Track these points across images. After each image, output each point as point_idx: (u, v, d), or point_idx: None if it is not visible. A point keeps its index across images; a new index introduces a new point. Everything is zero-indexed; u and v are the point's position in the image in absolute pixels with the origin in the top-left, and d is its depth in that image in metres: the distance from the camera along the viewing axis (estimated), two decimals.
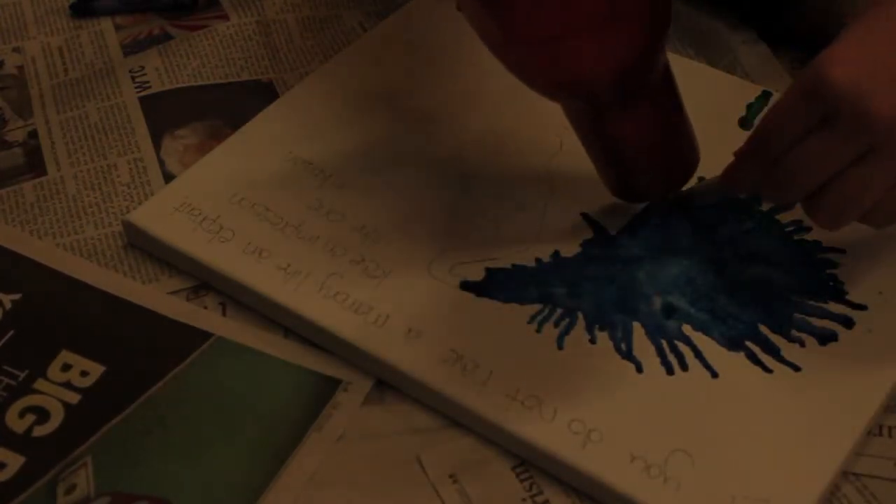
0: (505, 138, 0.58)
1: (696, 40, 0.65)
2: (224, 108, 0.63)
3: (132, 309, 0.53)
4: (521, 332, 0.51)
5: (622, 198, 0.54)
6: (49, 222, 0.57)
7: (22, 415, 0.49)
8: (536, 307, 0.51)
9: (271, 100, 0.61)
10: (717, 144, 0.57)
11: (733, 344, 0.50)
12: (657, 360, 0.50)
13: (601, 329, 0.51)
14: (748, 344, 0.50)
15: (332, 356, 0.51)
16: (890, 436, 0.49)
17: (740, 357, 0.50)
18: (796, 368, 0.49)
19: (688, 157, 0.52)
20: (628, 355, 0.50)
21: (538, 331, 0.51)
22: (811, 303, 0.52)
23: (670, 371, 0.49)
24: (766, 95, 0.60)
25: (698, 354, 0.50)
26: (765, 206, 0.55)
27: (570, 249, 0.54)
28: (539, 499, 0.47)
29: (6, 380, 0.51)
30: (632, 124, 0.50)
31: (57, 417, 0.49)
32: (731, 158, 0.57)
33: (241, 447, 0.48)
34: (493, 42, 0.48)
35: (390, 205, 0.55)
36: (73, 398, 0.50)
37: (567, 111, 0.51)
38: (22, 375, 0.51)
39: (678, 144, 0.52)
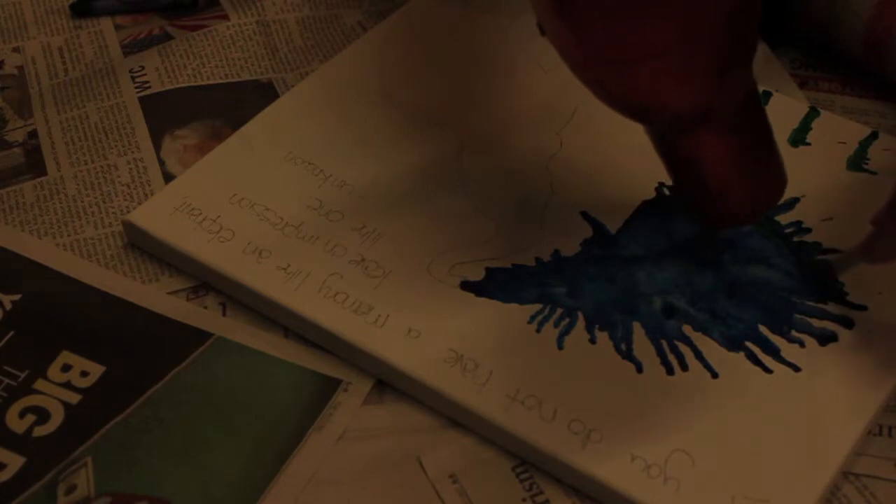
0: (505, 138, 0.58)
1: None
2: (224, 108, 0.63)
3: (132, 309, 0.53)
4: (521, 332, 0.51)
5: (701, 220, 0.52)
6: (49, 222, 0.57)
7: (22, 415, 0.49)
8: (536, 307, 0.51)
9: (271, 100, 0.61)
10: None
11: (733, 344, 0.50)
12: (657, 360, 0.50)
13: (601, 329, 0.51)
14: (748, 344, 0.50)
15: (332, 356, 0.51)
16: (890, 436, 0.49)
17: (740, 357, 0.50)
18: (796, 369, 0.49)
19: (771, 182, 0.50)
20: (628, 355, 0.50)
21: (538, 331, 0.51)
22: (811, 303, 0.52)
23: (670, 371, 0.49)
24: (766, 95, 0.60)
25: (698, 355, 0.50)
26: None
27: (570, 249, 0.54)
28: (539, 499, 0.47)
29: (6, 380, 0.51)
30: (714, 147, 0.48)
31: (57, 417, 0.49)
32: None
33: (241, 447, 0.48)
34: (573, 62, 0.46)
35: (390, 205, 0.55)
36: (73, 398, 0.50)
37: (648, 132, 0.49)
38: (22, 376, 0.51)
39: (761, 169, 0.49)
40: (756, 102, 0.48)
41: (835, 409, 0.48)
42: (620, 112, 0.48)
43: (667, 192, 0.56)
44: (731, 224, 0.51)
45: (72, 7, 0.69)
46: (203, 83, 0.64)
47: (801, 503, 0.45)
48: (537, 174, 0.57)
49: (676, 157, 0.49)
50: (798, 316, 0.51)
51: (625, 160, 0.56)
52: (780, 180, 0.50)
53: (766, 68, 0.64)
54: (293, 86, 0.63)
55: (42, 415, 0.49)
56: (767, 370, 0.49)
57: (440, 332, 0.50)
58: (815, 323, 0.51)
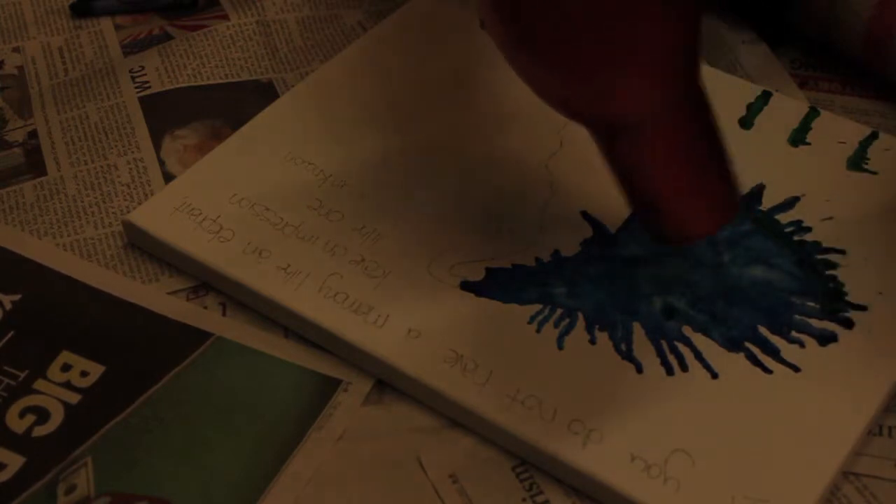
0: (504, 137, 0.58)
1: None
2: (224, 108, 0.63)
3: (132, 309, 0.53)
4: (521, 332, 0.51)
5: (653, 237, 0.50)
6: (49, 222, 0.57)
7: (22, 415, 0.49)
8: (536, 307, 0.51)
9: (271, 100, 0.61)
10: None
11: (733, 345, 0.50)
12: (657, 360, 0.50)
13: (601, 329, 0.51)
14: (748, 345, 0.50)
15: (332, 356, 0.51)
16: (890, 436, 0.49)
17: (740, 358, 0.50)
18: (796, 369, 0.49)
19: (721, 195, 0.48)
20: (628, 356, 0.50)
21: (538, 331, 0.51)
22: (811, 304, 0.52)
23: (670, 371, 0.49)
24: (766, 95, 0.60)
25: (698, 355, 0.50)
26: (764, 207, 0.55)
27: (570, 249, 0.54)
28: (539, 499, 0.47)
29: (6, 380, 0.51)
30: (662, 153, 0.46)
31: (57, 417, 0.49)
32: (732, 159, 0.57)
33: (241, 447, 0.48)
34: (517, 66, 0.46)
35: (390, 205, 0.55)
36: (73, 398, 0.50)
37: (596, 140, 0.49)
38: (22, 375, 0.51)
39: (709, 180, 0.47)
40: (706, 111, 0.47)
41: (835, 409, 0.48)
42: (563, 113, 0.47)
43: None
44: (681, 242, 0.49)
45: (72, 7, 0.69)
46: (203, 83, 0.64)
47: (801, 503, 0.45)
48: (537, 174, 0.57)
49: (625, 164, 0.48)
50: (798, 316, 0.51)
51: None
52: (731, 193, 0.48)
53: (766, 68, 0.64)
54: (293, 86, 0.63)
55: (42, 415, 0.49)
56: (767, 370, 0.49)
57: (440, 332, 0.50)
58: (815, 323, 0.51)
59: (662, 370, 0.49)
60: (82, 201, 0.58)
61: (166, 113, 0.62)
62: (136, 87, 0.64)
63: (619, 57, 0.44)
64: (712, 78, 0.61)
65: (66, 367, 0.51)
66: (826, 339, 0.50)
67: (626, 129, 0.46)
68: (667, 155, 0.47)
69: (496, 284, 0.52)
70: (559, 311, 0.51)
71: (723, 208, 0.48)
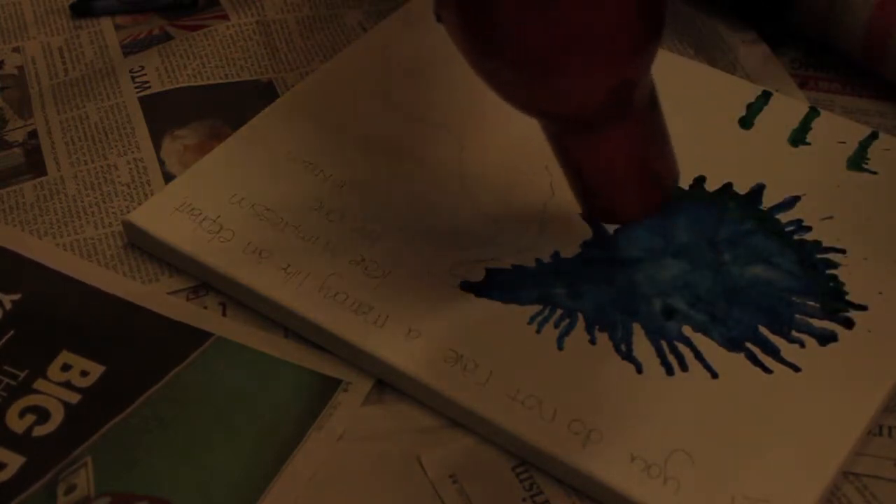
0: (504, 137, 0.58)
1: (696, 40, 0.65)
2: (224, 108, 0.63)
3: (132, 309, 0.53)
4: (521, 332, 0.51)
5: (594, 218, 0.52)
6: (49, 222, 0.57)
7: (22, 415, 0.49)
8: (536, 308, 0.51)
9: (271, 100, 0.61)
10: (716, 144, 0.57)
11: (733, 345, 0.50)
12: (657, 360, 0.50)
13: (601, 330, 0.51)
14: (748, 345, 0.50)
15: (332, 356, 0.51)
16: (890, 436, 0.49)
17: (740, 358, 0.50)
18: (796, 369, 0.49)
19: (665, 181, 0.50)
20: (628, 356, 0.50)
21: (538, 331, 0.51)
22: (811, 303, 0.52)
23: (670, 372, 0.49)
24: (766, 95, 0.60)
25: (698, 355, 0.50)
26: (764, 206, 0.55)
27: (569, 250, 0.54)
28: (539, 499, 0.47)
29: (6, 380, 0.51)
30: (611, 147, 0.48)
31: (57, 417, 0.49)
32: (732, 158, 0.58)
33: (241, 447, 0.48)
34: (471, 58, 0.46)
35: (390, 205, 0.55)
36: (73, 398, 0.50)
37: (545, 130, 0.50)
38: (22, 375, 0.51)
39: (656, 169, 0.49)
40: (655, 96, 0.48)
41: (835, 409, 0.48)
42: (517, 107, 0.48)
43: None
44: (609, 222, 0.52)
45: (72, 7, 0.69)
46: (203, 83, 0.64)
47: (801, 503, 0.45)
48: (537, 174, 0.57)
49: (578, 155, 0.49)
50: (798, 316, 0.51)
51: None
52: (675, 169, 0.50)
53: (766, 68, 0.64)
54: (293, 86, 0.63)
55: (42, 414, 0.49)
56: (767, 370, 0.49)
57: (440, 332, 0.50)
58: (816, 323, 0.51)
59: (662, 370, 0.49)
60: (82, 201, 0.58)
61: (166, 113, 0.62)
62: (136, 87, 0.64)
63: (575, 44, 0.44)
64: (712, 78, 0.62)
65: (66, 367, 0.51)
66: (826, 338, 0.50)
67: (578, 124, 0.47)
68: (615, 153, 0.48)
69: (496, 285, 0.52)
70: (559, 311, 0.51)
71: (654, 203, 0.50)
